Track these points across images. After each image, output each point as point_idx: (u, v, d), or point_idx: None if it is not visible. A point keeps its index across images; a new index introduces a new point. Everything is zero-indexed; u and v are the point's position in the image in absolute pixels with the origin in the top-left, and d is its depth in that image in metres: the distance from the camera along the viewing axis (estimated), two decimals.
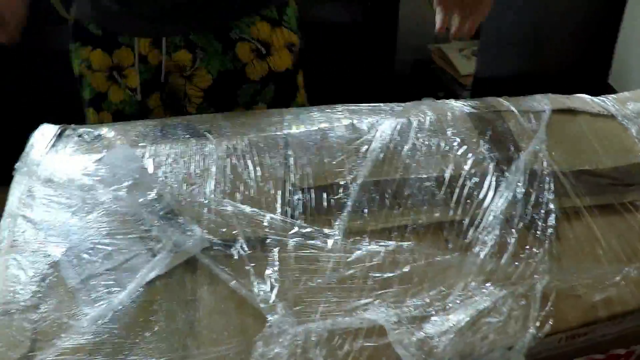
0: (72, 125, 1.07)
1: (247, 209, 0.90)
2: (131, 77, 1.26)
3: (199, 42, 1.23)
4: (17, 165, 0.98)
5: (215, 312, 0.78)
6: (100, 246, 0.85)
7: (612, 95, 1.21)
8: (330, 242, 0.86)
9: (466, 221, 0.90)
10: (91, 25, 1.25)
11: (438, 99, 1.22)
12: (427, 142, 1.02)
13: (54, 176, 0.95)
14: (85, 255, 0.83)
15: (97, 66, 1.26)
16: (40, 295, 0.80)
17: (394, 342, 0.75)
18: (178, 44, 1.23)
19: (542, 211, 0.92)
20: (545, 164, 0.99)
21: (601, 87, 1.32)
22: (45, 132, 1.04)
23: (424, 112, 1.09)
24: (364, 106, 1.11)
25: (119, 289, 0.80)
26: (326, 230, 0.88)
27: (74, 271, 0.82)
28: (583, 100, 1.18)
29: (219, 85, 1.26)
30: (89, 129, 1.06)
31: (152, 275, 0.81)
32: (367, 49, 2.60)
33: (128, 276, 0.81)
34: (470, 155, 1.00)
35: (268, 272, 0.82)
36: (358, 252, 0.85)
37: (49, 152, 1.00)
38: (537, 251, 0.87)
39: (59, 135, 1.04)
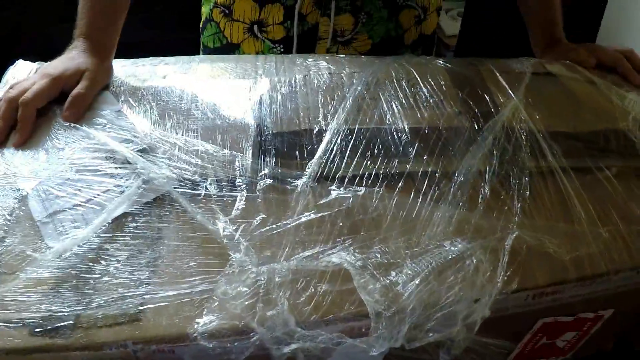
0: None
1: (219, 149, 0.89)
2: (275, 31, 1.23)
3: (365, 7, 1.21)
4: None
5: (180, 250, 0.78)
6: (69, 182, 0.84)
7: None
8: (299, 185, 0.86)
9: (439, 173, 0.90)
10: None
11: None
12: (404, 94, 1.02)
13: None
14: (54, 191, 0.82)
15: (239, 16, 1.24)
16: (6, 228, 0.79)
17: (359, 287, 0.75)
18: (344, 8, 1.21)
19: (517, 168, 0.92)
20: (522, 122, 0.99)
21: None
22: (20, 69, 1.03)
23: (403, 65, 1.08)
24: (344, 57, 1.10)
25: (85, 224, 0.79)
26: (296, 174, 0.87)
27: (42, 205, 0.81)
28: (564, 65, 1.18)
29: (377, 50, 1.25)
30: None
31: (119, 211, 0.80)
32: None
33: (95, 212, 0.80)
34: (447, 109, 1.00)
35: (235, 212, 0.82)
36: (327, 197, 0.85)
37: None
38: (509, 207, 0.87)
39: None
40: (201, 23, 1.33)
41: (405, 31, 1.28)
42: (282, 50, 1.26)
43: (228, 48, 1.28)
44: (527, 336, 0.88)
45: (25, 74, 1.02)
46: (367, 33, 1.25)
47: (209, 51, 1.32)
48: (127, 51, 1.14)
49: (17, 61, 1.05)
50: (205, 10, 1.30)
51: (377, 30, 1.25)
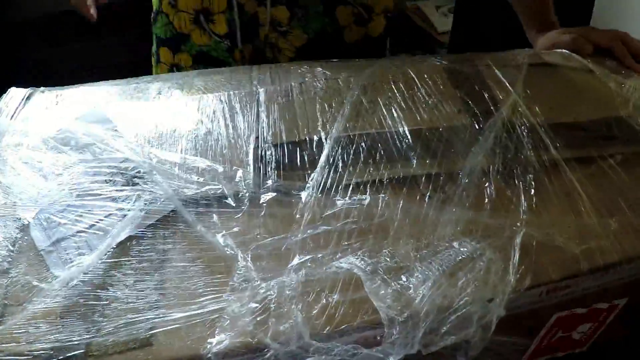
0: (41, 88, 1.05)
1: (219, 165, 0.88)
2: (219, 23, 1.24)
3: (301, 0, 1.21)
4: None
5: (187, 271, 0.77)
6: (70, 208, 0.83)
7: None
8: (303, 197, 0.85)
9: (443, 175, 0.89)
10: None
11: (415, 55, 1.21)
12: (402, 97, 1.01)
13: (24, 140, 0.94)
14: (55, 218, 0.82)
15: (183, 6, 1.24)
16: (10, 259, 0.78)
17: (370, 293, 0.74)
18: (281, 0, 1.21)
19: (521, 165, 0.91)
20: (522, 117, 0.98)
21: None
22: (14, 96, 1.02)
23: (400, 67, 1.07)
24: (339, 62, 1.10)
25: (89, 250, 0.78)
26: (299, 186, 0.87)
27: (44, 234, 0.80)
28: (561, 54, 1.18)
29: (313, 45, 1.25)
30: (58, 92, 1.04)
31: (123, 235, 0.79)
32: None
33: (99, 237, 0.79)
34: (446, 109, 0.99)
35: (240, 227, 0.81)
36: (332, 208, 0.84)
37: (18, 115, 0.98)
38: (516, 204, 0.86)
39: (28, 98, 1.02)
40: (152, 14, 1.33)
41: (343, 28, 1.27)
42: (228, 44, 1.26)
43: (179, 38, 1.29)
44: (542, 331, 0.88)
45: (18, 102, 1.01)
46: (302, 28, 1.24)
47: (161, 41, 1.32)
48: (120, 71, 1.14)
49: (10, 89, 1.04)
50: (154, 1, 1.31)
51: (313, 25, 1.24)
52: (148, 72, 1.32)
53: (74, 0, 1.22)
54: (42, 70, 1.32)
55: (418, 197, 0.86)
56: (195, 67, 1.27)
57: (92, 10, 1.23)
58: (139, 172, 0.87)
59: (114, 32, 1.17)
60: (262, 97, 1.02)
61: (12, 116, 0.98)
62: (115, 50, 1.19)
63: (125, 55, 1.21)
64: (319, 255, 0.78)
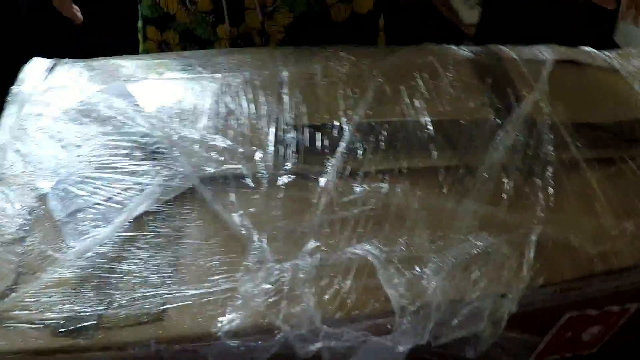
0: (65, 59, 1.05)
1: (239, 145, 0.88)
2: (203, 2, 1.22)
3: None
4: (8, 98, 0.96)
5: (202, 248, 0.77)
6: (89, 180, 0.83)
7: (617, 51, 1.19)
8: (322, 181, 0.85)
9: (462, 168, 0.88)
10: None
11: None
12: (426, 86, 1.00)
13: (45, 110, 0.94)
14: (73, 189, 0.82)
15: None
16: (27, 228, 0.79)
17: (383, 281, 0.74)
18: None
19: (541, 162, 0.90)
20: (545, 114, 0.97)
21: (606, 44, 1.30)
22: (37, 65, 1.02)
23: (425, 56, 1.07)
24: (363, 48, 1.09)
25: (106, 223, 0.78)
26: (318, 170, 0.86)
27: (62, 204, 0.81)
28: (587, 53, 1.16)
29: (300, 24, 1.24)
30: (82, 62, 1.04)
31: (140, 210, 0.80)
32: None
33: (116, 210, 0.80)
34: (469, 101, 0.98)
35: (258, 208, 0.81)
36: (350, 194, 0.84)
37: (41, 85, 0.98)
38: (534, 201, 0.86)
39: (52, 69, 1.02)
40: None
41: (329, 7, 1.26)
42: (213, 19, 1.25)
43: (166, 18, 1.27)
44: (553, 330, 0.88)
45: (41, 72, 1.02)
46: (288, 6, 1.23)
47: (147, 19, 1.31)
48: None
49: (33, 58, 1.05)
50: None
51: (298, 4, 1.23)
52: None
53: (56, 2, 1.23)
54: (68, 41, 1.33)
55: (436, 189, 0.86)
56: (181, 46, 1.28)
57: (76, 11, 1.24)
58: (158, 147, 0.87)
59: None
60: (284, 79, 1.01)
61: (35, 86, 0.98)
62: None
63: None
64: (334, 241, 0.78)
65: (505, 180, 0.87)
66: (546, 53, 1.11)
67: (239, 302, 0.72)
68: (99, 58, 1.07)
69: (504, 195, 0.86)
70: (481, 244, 0.79)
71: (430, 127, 0.94)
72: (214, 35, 1.24)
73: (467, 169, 0.89)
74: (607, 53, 1.17)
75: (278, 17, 1.23)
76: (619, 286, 0.84)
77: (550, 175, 0.89)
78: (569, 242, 0.82)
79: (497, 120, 0.95)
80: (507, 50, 1.11)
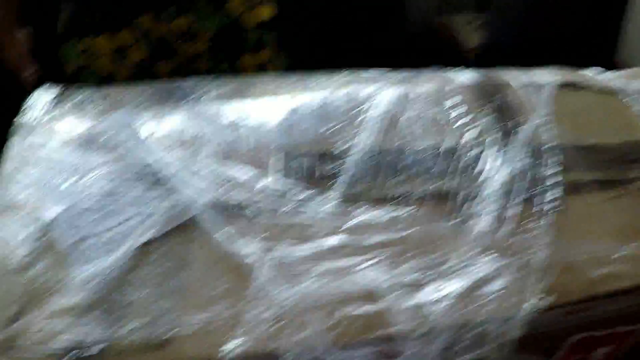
0: (71, 87, 1.05)
1: (242, 173, 0.89)
2: (135, 52, 1.31)
3: (191, 6, 1.30)
4: (13, 125, 0.97)
5: (207, 275, 0.77)
6: (93, 209, 0.84)
7: (618, 72, 1.20)
8: (325, 208, 0.85)
9: (465, 193, 0.89)
10: (89, 16, 1.32)
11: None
12: (426, 112, 1.00)
13: (49, 139, 0.94)
14: (78, 218, 0.82)
15: (101, 51, 1.32)
16: (33, 256, 0.79)
17: (388, 308, 0.74)
18: (178, 12, 1.29)
19: (544, 185, 0.91)
20: (547, 137, 0.97)
21: (608, 64, 1.31)
22: (44, 93, 1.03)
23: (425, 81, 1.07)
24: (364, 73, 1.10)
25: (111, 251, 0.79)
26: (321, 197, 0.87)
27: (67, 233, 0.81)
28: (588, 75, 1.17)
29: (221, 36, 1.33)
30: (89, 91, 1.04)
31: (145, 238, 0.80)
32: (373, 19, 2.59)
33: (121, 239, 0.80)
34: (470, 126, 0.98)
35: (261, 236, 0.81)
36: (353, 219, 0.84)
37: (47, 113, 0.99)
38: (537, 225, 0.86)
39: (58, 96, 1.03)
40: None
41: (238, 16, 1.35)
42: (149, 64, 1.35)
43: (107, 79, 1.35)
44: (560, 352, 0.88)
45: (46, 100, 1.02)
46: (203, 28, 1.33)
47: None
48: None
49: (37, 88, 1.05)
50: (71, 62, 1.38)
51: (210, 24, 1.33)
52: None
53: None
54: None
55: (439, 214, 0.86)
56: None
57: None
58: (162, 176, 0.87)
59: None
60: (288, 106, 1.01)
61: (40, 113, 0.99)
62: None
63: None
64: (339, 267, 0.79)
65: (507, 204, 0.88)
66: (547, 76, 1.11)
67: (244, 328, 0.72)
68: (105, 86, 1.08)
69: (507, 219, 0.86)
70: (485, 268, 0.79)
71: (432, 153, 0.94)
72: (155, 76, 1.35)
73: (470, 193, 0.89)
74: (608, 74, 1.17)
75: (198, 39, 1.34)
76: (624, 308, 0.84)
77: (553, 198, 0.89)
78: (573, 265, 0.82)
79: (499, 144, 0.96)
80: (507, 74, 1.12)
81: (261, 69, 1.40)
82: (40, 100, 1.02)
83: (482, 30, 2.43)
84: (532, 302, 0.77)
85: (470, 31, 2.64)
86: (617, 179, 0.94)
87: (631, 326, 0.89)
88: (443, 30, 2.77)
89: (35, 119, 0.97)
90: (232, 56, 1.35)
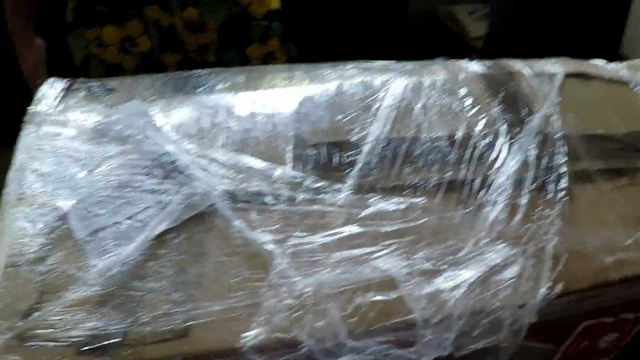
0: (81, 79, 1.05)
1: (257, 163, 0.88)
2: (142, 43, 1.32)
3: None
4: (25, 118, 0.97)
5: (224, 265, 0.78)
6: (109, 199, 0.84)
7: (626, 62, 1.20)
8: (340, 197, 0.85)
9: (477, 182, 0.89)
10: (97, 5, 1.31)
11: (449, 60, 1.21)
12: (438, 102, 1.00)
13: (62, 130, 0.94)
14: (93, 208, 0.82)
15: (109, 41, 1.32)
16: (48, 247, 0.79)
17: (405, 295, 0.75)
18: (187, 2, 1.29)
19: (554, 174, 0.91)
20: (557, 127, 0.98)
21: (613, 55, 1.30)
22: (54, 85, 1.03)
23: (436, 71, 1.07)
24: (375, 64, 1.10)
25: (127, 241, 0.79)
26: (336, 186, 0.87)
27: (83, 224, 0.81)
28: (596, 65, 1.17)
29: (229, 26, 1.34)
30: (99, 82, 1.04)
31: (161, 228, 0.80)
32: (377, 10, 2.58)
33: (137, 229, 0.80)
34: (482, 116, 0.98)
35: (278, 225, 0.82)
36: (368, 209, 0.84)
37: (58, 105, 0.98)
38: (548, 213, 0.86)
39: (68, 89, 1.02)
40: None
41: (247, 5, 1.36)
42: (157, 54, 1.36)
43: (112, 68, 1.37)
44: (570, 339, 0.88)
45: (58, 91, 1.02)
46: (213, 18, 1.34)
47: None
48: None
49: (49, 79, 1.05)
50: (80, 51, 1.39)
51: (219, 14, 1.34)
52: None
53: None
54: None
55: (453, 203, 0.87)
56: None
57: None
58: (178, 165, 0.87)
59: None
60: (301, 96, 1.01)
61: (51, 106, 0.98)
62: None
63: None
64: (355, 255, 0.79)
65: (519, 192, 0.88)
66: (556, 66, 1.11)
67: (263, 317, 0.72)
68: (115, 77, 1.08)
69: (519, 208, 0.86)
70: (498, 256, 0.80)
71: (445, 142, 0.94)
72: (161, 67, 1.37)
73: (482, 182, 0.89)
74: (616, 65, 1.18)
75: (207, 27, 1.34)
76: (634, 294, 0.85)
77: (563, 186, 0.90)
78: (584, 252, 0.83)
79: (510, 133, 0.96)
80: (517, 64, 1.12)
81: (268, 59, 1.40)
82: (53, 90, 1.02)
83: (486, 20, 2.42)
84: (545, 289, 0.78)
85: (474, 21, 2.64)
86: (626, 168, 0.95)
87: (638, 313, 0.90)
88: (448, 20, 2.77)
89: (48, 109, 0.97)
90: (240, 46, 1.36)
